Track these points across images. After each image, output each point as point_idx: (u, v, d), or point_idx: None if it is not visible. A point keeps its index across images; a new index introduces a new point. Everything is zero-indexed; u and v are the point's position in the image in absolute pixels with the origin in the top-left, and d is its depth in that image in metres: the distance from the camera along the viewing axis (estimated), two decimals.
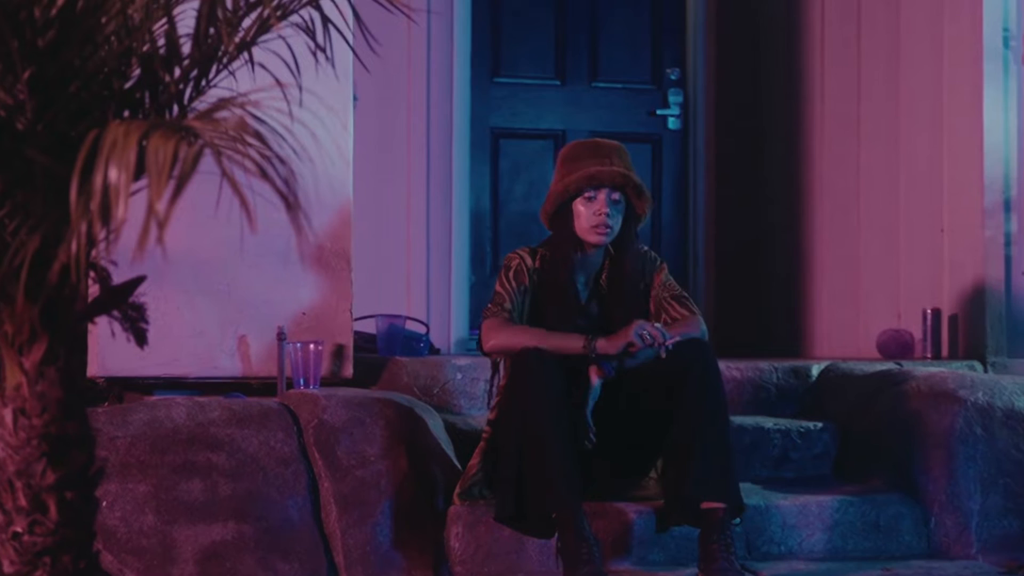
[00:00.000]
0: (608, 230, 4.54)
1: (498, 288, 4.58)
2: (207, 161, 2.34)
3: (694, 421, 4.35)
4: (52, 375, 2.77)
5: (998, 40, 6.04)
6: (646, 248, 4.75)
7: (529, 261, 4.61)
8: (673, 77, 7.74)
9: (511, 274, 4.58)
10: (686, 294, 4.70)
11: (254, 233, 2.42)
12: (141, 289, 2.80)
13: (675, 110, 7.71)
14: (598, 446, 4.52)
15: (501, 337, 4.48)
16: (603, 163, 4.54)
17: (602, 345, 4.45)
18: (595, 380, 4.48)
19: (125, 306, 2.80)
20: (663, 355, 4.39)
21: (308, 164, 2.64)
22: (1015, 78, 6.08)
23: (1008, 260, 6.04)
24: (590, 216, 4.53)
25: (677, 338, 4.45)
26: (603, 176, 4.52)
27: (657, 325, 4.42)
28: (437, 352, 6.06)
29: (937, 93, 6.29)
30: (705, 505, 4.32)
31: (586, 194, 4.53)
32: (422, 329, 5.88)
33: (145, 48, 2.79)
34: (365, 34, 3.01)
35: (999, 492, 4.96)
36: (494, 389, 4.61)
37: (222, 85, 2.86)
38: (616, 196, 4.55)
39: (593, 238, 4.55)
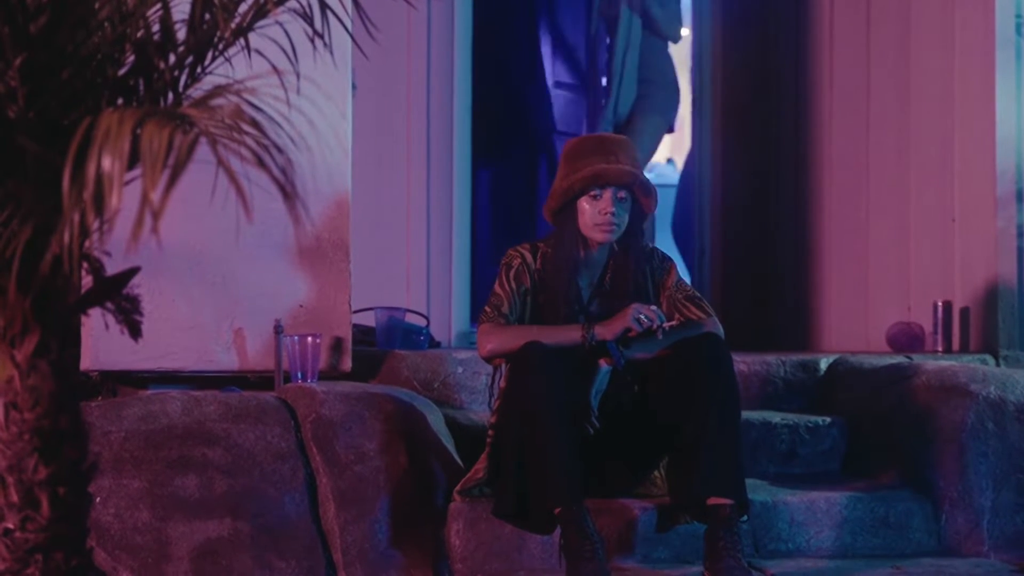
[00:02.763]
0: (614, 228, 4.48)
1: (497, 289, 4.53)
2: (203, 150, 2.32)
3: (706, 417, 4.30)
4: (44, 368, 2.77)
5: (1010, 27, 6.00)
6: (652, 246, 4.69)
7: (530, 259, 4.56)
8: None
9: (511, 274, 4.53)
10: (699, 295, 4.64)
11: (250, 223, 2.38)
12: (135, 281, 2.79)
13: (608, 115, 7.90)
14: (605, 442, 4.49)
15: (497, 341, 4.44)
16: (609, 160, 4.47)
17: (600, 332, 4.42)
18: (603, 366, 4.44)
19: (119, 298, 2.79)
20: (660, 336, 4.38)
21: (306, 153, 2.61)
22: None
23: (1021, 251, 6.00)
24: (595, 214, 4.47)
25: (674, 322, 4.44)
26: (610, 175, 4.45)
27: (653, 308, 4.39)
28: (437, 345, 6.02)
29: (948, 81, 6.25)
30: (712, 501, 4.28)
31: (591, 192, 4.47)
32: (422, 322, 5.84)
33: (139, 34, 2.78)
34: (364, 20, 2.98)
35: (1011, 488, 4.92)
36: (495, 390, 4.56)
37: (218, 72, 2.84)
38: (623, 194, 4.49)
39: (598, 236, 4.49)
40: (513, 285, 4.52)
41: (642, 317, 4.36)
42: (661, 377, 4.45)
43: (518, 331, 4.44)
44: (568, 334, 4.42)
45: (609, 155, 4.48)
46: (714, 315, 4.59)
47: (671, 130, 7.93)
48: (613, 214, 4.46)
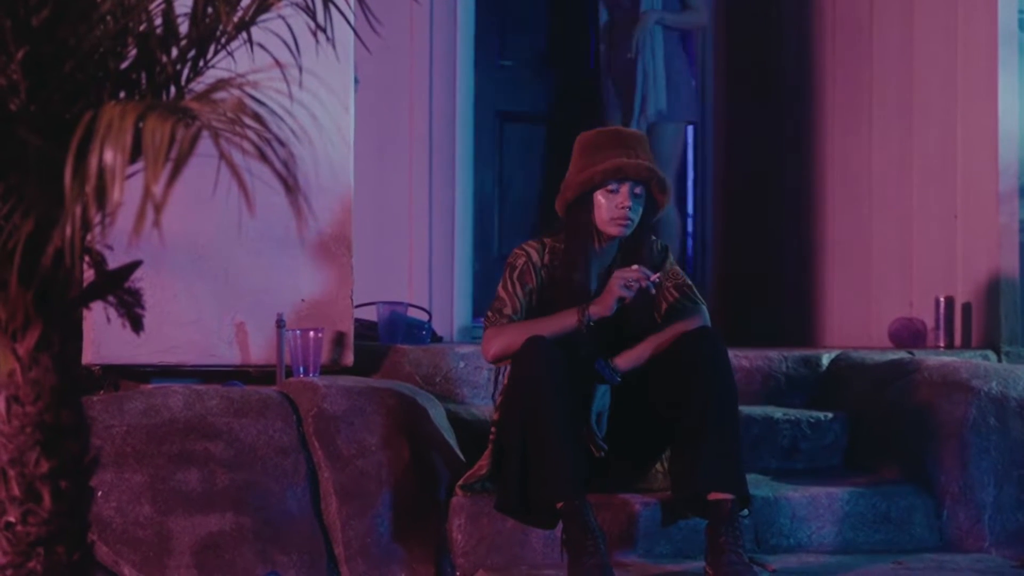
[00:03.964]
0: (628, 223, 4.48)
1: (500, 292, 4.52)
2: (205, 143, 2.30)
3: (704, 411, 4.30)
4: (46, 362, 2.75)
5: (1013, 23, 6.00)
6: (654, 238, 4.69)
7: (536, 257, 4.55)
8: None
9: (516, 275, 4.52)
10: (690, 282, 4.64)
11: (252, 217, 2.37)
12: (137, 274, 2.78)
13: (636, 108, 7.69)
14: (608, 437, 4.48)
15: (499, 342, 4.43)
16: (628, 155, 4.46)
17: (595, 310, 4.41)
18: (599, 386, 4.44)
19: (121, 291, 2.78)
20: (653, 292, 4.38)
21: (308, 147, 2.60)
22: None
23: (1023, 247, 6.00)
24: (611, 208, 4.46)
25: (659, 275, 4.43)
26: (629, 170, 4.45)
27: (634, 267, 4.37)
28: (439, 340, 6.02)
29: (951, 77, 6.25)
30: (713, 496, 4.27)
31: (609, 186, 4.46)
32: (424, 316, 5.83)
33: (142, 27, 2.76)
34: (367, 14, 2.97)
35: (1013, 484, 4.93)
36: (497, 385, 4.55)
37: (220, 66, 2.83)
38: (639, 190, 4.48)
39: (613, 230, 4.48)
40: (517, 287, 4.51)
41: (630, 283, 4.35)
42: (659, 373, 4.45)
43: (517, 328, 4.43)
44: (565, 320, 4.42)
45: (628, 149, 4.48)
46: (702, 302, 4.59)
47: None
48: (629, 209, 4.46)
